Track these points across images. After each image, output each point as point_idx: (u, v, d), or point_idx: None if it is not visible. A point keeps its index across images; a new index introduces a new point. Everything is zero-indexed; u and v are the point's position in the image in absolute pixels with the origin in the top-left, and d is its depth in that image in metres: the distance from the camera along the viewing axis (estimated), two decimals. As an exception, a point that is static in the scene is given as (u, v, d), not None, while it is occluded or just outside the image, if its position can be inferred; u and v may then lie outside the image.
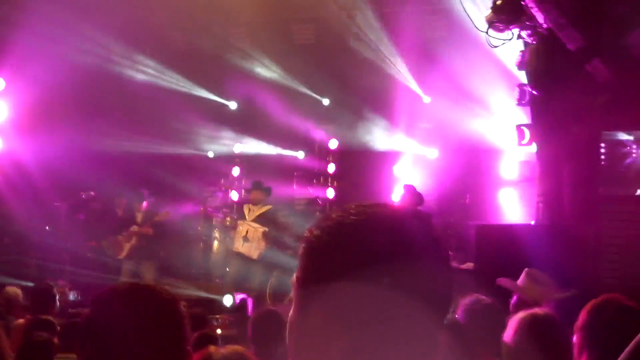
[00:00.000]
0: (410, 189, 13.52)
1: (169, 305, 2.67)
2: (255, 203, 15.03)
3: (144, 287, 2.77)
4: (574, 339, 3.88)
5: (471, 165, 15.42)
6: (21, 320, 8.59)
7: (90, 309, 2.73)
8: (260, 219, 14.73)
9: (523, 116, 12.19)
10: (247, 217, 14.94)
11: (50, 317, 7.92)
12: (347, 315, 1.60)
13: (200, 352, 3.41)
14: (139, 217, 15.28)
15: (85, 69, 15.87)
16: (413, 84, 16.48)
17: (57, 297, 9.21)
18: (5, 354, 4.90)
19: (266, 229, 14.52)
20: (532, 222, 11.17)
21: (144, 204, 15.32)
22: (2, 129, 15.28)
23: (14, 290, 10.16)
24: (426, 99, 16.56)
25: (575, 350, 3.85)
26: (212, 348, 3.56)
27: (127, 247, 15.03)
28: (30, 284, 12.37)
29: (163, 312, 2.63)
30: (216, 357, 3.44)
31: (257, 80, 17.85)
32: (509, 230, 10.65)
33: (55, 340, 6.45)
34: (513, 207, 14.18)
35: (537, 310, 4.81)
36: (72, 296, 13.70)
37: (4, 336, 5.01)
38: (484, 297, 5.68)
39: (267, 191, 15.16)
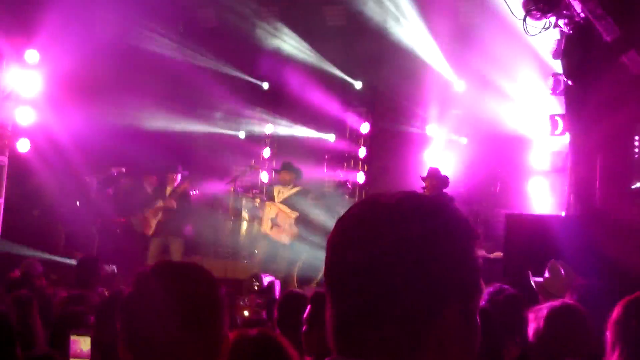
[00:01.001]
0: (435, 172, 13.46)
1: (211, 288, 2.67)
2: (284, 184, 14.96)
3: (188, 267, 2.75)
4: (607, 333, 3.87)
5: (502, 154, 15.33)
6: (65, 294, 8.62)
7: (131, 287, 2.74)
8: (289, 201, 14.67)
9: (557, 106, 12.12)
10: (276, 198, 14.89)
11: (90, 292, 7.96)
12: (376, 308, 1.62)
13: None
14: (169, 190, 15.25)
15: (117, 44, 15.92)
16: (446, 70, 16.39)
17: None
18: (35, 333, 4.95)
19: (297, 214, 14.44)
20: (563, 213, 11.12)
21: (178, 177, 15.25)
22: (35, 102, 15.34)
23: (31, 262, 10.20)
24: (459, 86, 16.47)
25: (608, 345, 3.84)
26: (240, 330, 3.56)
27: (153, 223, 15.01)
28: (57, 258, 12.49)
29: (205, 294, 2.63)
30: (244, 340, 3.44)
31: (289, 61, 17.81)
32: (540, 220, 10.62)
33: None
34: (543, 197, 14.09)
35: (561, 301, 4.82)
36: (109, 270, 13.73)
37: (36, 315, 5.06)
38: (507, 287, 5.69)
39: (297, 172, 15.03)
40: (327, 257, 1.71)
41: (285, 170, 14.99)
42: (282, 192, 14.83)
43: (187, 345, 2.52)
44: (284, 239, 14.37)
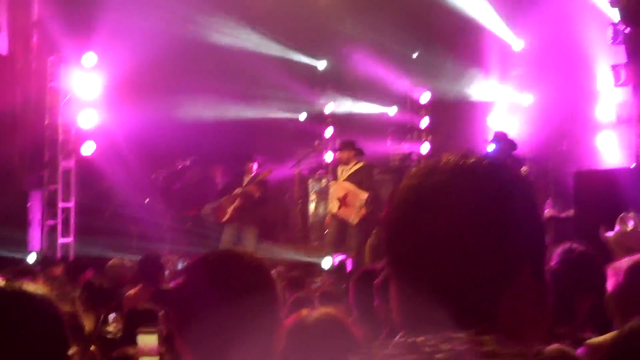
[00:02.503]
0: (502, 136, 13.30)
1: (258, 272, 2.65)
2: (344, 163, 14.84)
3: (233, 254, 2.75)
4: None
5: (566, 110, 15.08)
6: (132, 291, 8.70)
7: (181, 278, 2.74)
8: (352, 178, 14.54)
9: (619, 56, 11.87)
10: (340, 177, 14.79)
11: (159, 287, 8.01)
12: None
13: (293, 316, 3.39)
14: (246, 180, 15.24)
15: (173, 38, 15.97)
16: (504, 30, 16.17)
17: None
18: (81, 327, 4.99)
19: (367, 194, 14.28)
20: (633, 165, 10.90)
21: (254, 166, 15.19)
22: (96, 104, 15.51)
23: (119, 261, 10.33)
24: (517, 46, 16.24)
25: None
26: (304, 311, 3.54)
27: (230, 210, 14.95)
28: (134, 257, 12.61)
29: (253, 279, 2.61)
30: (308, 320, 3.42)
31: (345, 38, 17.77)
32: (609, 175, 10.41)
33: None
34: (612, 150, 13.84)
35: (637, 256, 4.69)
36: (180, 265, 13.81)
37: (80, 311, 5.12)
38: (577, 245, 5.56)
39: (355, 149, 14.86)
40: (389, 231, 1.67)
41: (344, 149, 14.87)
42: (344, 171, 14.71)
43: (238, 333, 2.49)
44: (353, 218, 14.27)
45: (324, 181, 15.96)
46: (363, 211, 14.11)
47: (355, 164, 14.57)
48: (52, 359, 2.00)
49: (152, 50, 15.14)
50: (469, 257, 1.57)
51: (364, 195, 14.15)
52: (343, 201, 14.37)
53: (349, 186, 14.35)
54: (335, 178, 15.00)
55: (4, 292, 2.02)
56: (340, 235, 14.53)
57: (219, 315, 2.49)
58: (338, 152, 15.11)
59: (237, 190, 14.93)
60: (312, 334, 3.33)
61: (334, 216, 14.58)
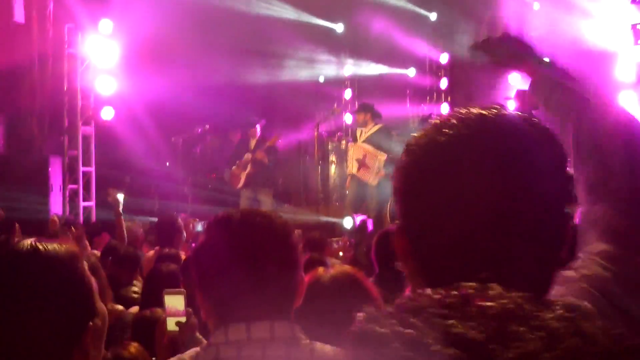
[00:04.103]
0: (524, 94, 13.20)
1: (280, 233, 2.63)
2: (361, 125, 14.82)
3: (255, 213, 2.72)
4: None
5: (586, 71, 14.94)
6: (151, 253, 8.73)
7: (203, 236, 2.73)
8: (372, 140, 14.52)
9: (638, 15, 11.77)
10: (358, 139, 14.79)
11: (176, 250, 7.99)
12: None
13: (309, 275, 3.38)
14: (252, 143, 15.27)
15: (189, 3, 15.94)
16: (521, -11, 16.06)
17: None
18: (105, 290, 5.00)
19: (386, 155, 14.26)
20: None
21: (257, 128, 15.24)
22: (114, 70, 15.51)
23: (131, 223, 10.36)
24: (535, 5, 16.10)
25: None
26: (320, 269, 3.53)
27: (243, 176, 15.04)
28: (154, 219, 12.67)
29: (274, 238, 2.60)
30: (325, 279, 3.40)
31: (362, 1, 17.66)
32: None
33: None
34: (632, 111, 13.72)
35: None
36: (199, 227, 13.84)
37: (102, 274, 5.12)
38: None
39: (373, 111, 14.80)
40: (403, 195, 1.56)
41: (360, 111, 14.87)
42: (363, 133, 14.71)
43: (257, 290, 2.49)
44: (372, 179, 14.28)
45: (343, 143, 15.94)
46: (382, 172, 14.11)
47: (374, 126, 14.57)
48: (74, 326, 1.95)
49: (168, 16, 15.12)
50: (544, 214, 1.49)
51: (383, 157, 14.15)
52: (362, 163, 14.38)
53: (368, 148, 14.35)
54: (354, 140, 15.00)
55: (26, 253, 1.96)
56: (360, 196, 14.56)
57: (240, 274, 2.49)
58: (356, 114, 15.10)
59: (247, 156, 14.97)
60: (329, 292, 3.33)
61: (354, 177, 14.59)
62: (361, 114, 14.69)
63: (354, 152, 14.59)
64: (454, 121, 1.51)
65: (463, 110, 1.53)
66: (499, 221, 1.45)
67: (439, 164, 1.49)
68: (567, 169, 1.59)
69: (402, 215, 1.57)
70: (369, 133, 14.52)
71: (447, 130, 1.50)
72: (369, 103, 15.06)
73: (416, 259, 1.55)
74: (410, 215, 1.55)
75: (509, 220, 1.45)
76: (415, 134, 1.58)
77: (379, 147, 14.30)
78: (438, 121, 1.55)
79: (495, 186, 1.44)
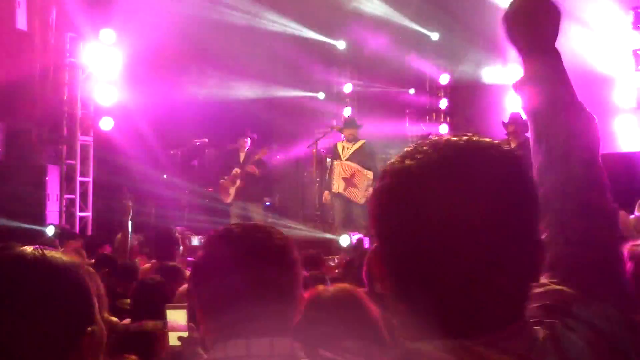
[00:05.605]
0: (518, 118, 13.21)
1: (280, 248, 2.62)
2: (352, 140, 14.79)
3: (254, 228, 2.70)
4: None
5: (584, 94, 14.94)
6: (147, 265, 8.70)
7: (202, 251, 2.71)
8: (355, 156, 14.52)
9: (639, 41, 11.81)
10: (341, 156, 14.76)
11: (174, 263, 7.95)
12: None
13: (308, 292, 3.37)
14: (242, 157, 15.21)
15: (192, 16, 15.95)
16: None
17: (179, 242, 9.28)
18: (102, 299, 4.98)
19: (372, 174, 14.21)
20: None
21: (247, 141, 15.21)
22: (115, 80, 15.51)
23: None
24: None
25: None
26: (320, 287, 3.53)
27: (232, 190, 15.00)
28: (149, 232, 12.65)
29: (276, 253, 2.58)
30: (324, 296, 3.40)
31: (364, 18, 17.68)
32: (626, 159, 10.37)
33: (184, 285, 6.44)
34: (630, 135, 13.75)
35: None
36: (196, 241, 13.81)
37: (100, 284, 5.11)
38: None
39: (357, 126, 14.82)
40: (401, 210, 1.52)
41: (348, 127, 14.88)
42: (347, 148, 14.69)
43: (257, 306, 2.48)
44: (360, 198, 14.28)
45: (327, 161, 15.87)
46: (370, 190, 14.09)
47: (357, 141, 14.58)
48: (72, 331, 1.95)
49: (170, 28, 15.14)
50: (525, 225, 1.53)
51: (370, 175, 14.18)
52: (349, 181, 14.37)
53: (355, 166, 14.35)
54: (336, 157, 14.91)
55: (30, 258, 1.97)
56: (348, 215, 14.56)
57: (240, 290, 2.48)
58: (343, 131, 15.00)
59: (235, 171, 14.95)
60: (329, 309, 3.32)
61: (338, 195, 14.56)
62: (349, 130, 14.72)
63: (340, 170, 14.55)
64: (426, 147, 1.54)
65: (436, 137, 1.57)
66: (461, 248, 1.46)
67: (407, 189, 1.51)
68: (536, 198, 1.59)
69: (377, 239, 1.59)
70: (352, 149, 14.53)
71: (418, 156, 1.52)
72: (353, 118, 15.18)
73: (392, 281, 1.56)
74: (383, 238, 1.57)
75: (473, 247, 1.46)
76: (391, 160, 1.60)
77: (363, 164, 14.32)
78: (412, 147, 1.57)
79: (458, 212, 1.46)
